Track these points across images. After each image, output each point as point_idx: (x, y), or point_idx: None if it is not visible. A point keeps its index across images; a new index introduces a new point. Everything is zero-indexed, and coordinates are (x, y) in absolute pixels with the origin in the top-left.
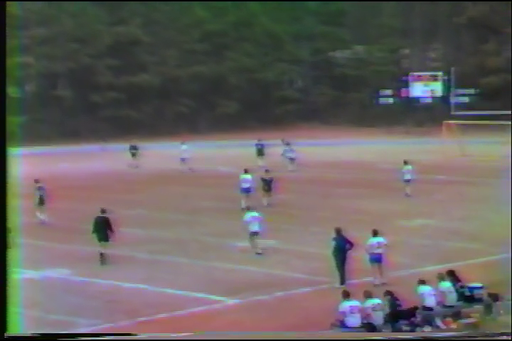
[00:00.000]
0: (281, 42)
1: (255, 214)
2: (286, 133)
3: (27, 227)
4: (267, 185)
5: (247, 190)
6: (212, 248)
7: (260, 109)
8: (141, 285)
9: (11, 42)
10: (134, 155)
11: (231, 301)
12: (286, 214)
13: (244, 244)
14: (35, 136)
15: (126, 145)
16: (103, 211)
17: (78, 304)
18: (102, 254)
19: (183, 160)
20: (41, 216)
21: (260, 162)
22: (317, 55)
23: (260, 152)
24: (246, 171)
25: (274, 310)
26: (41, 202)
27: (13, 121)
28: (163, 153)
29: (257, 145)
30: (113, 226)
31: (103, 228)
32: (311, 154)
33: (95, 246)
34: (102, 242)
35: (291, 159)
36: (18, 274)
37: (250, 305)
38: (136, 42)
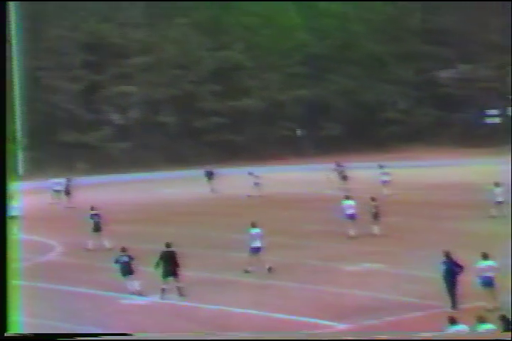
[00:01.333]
0: (384, 64)
1: (257, 230)
2: (390, 154)
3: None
4: (375, 212)
5: (351, 217)
6: (320, 271)
7: (363, 131)
8: (250, 310)
9: (113, 71)
10: (209, 179)
11: (341, 326)
12: (393, 238)
13: (353, 267)
14: (139, 161)
15: (231, 170)
16: (168, 245)
17: (188, 329)
18: (163, 289)
19: (256, 185)
20: (103, 242)
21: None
22: (420, 75)
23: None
24: (348, 197)
25: (384, 335)
26: (97, 228)
27: (117, 146)
28: (267, 177)
29: (336, 169)
30: (178, 260)
31: (169, 263)
32: (415, 176)
33: (205, 272)
34: (168, 278)
35: (385, 182)
36: (128, 300)
37: (360, 329)
38: (238, 67)
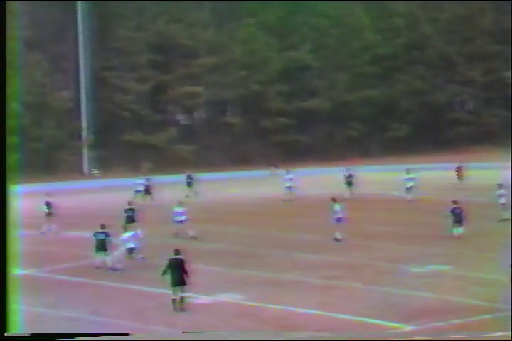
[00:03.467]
0: (453, 64)
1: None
2: (458, 156)
3: (202, 253)
4: (458, 216)
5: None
6: (386, 273)
7: (431, 131)
8: (315, 311)
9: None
10: (189, 184)
11: (408, 327)
12: (461, 239)
13: (420, 269)
14: (205, 162)
15: (298, 171)
16: (177, 252)
17: (252, 329)
18: (174, 300)
19: (288, 188)
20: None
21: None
22: (490, 76)
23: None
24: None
25: (452, 336)
26: (130, 221)
27: (183, 147)
28: (333, 178)
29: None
30: (187, 268)
31: (177, 271)
32: (484, 177)
33: (270, 272)
34: (176, 287)
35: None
36: (192, 299)
37: (427, 331)
38: (306, 68)
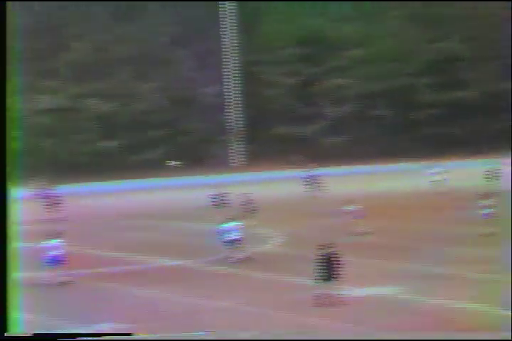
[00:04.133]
0: None
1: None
2: None
3: (355, 246)
4: None
5: None
6: None
7: None
8: (472, 305)
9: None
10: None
11: None
12: None
13: None
14: (353, 155)
15: (449, 164)
16: (327, 246)
17: (408, 322)
18: (320, 295)
19: (435, 182)
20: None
21: None
22: None
23: None
24: None
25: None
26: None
27: (332, 140)
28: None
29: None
30: (339, 263)
31: (327, 265)
32: None
33: (422, 265)
34: (325, 281)
35: None
36: (347, 291)
37: None
38: (455, 59)
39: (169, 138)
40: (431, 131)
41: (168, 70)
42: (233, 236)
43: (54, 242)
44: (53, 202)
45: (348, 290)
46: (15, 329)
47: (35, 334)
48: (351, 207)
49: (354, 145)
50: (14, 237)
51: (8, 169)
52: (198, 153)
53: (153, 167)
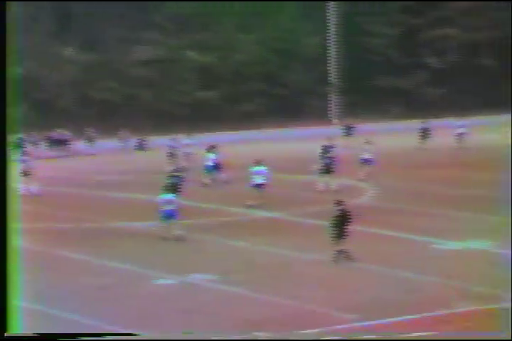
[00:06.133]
0: None
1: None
2: None
3: (449, 198)
4: None
5: None
6: None
7: None
8: None
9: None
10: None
11: None
12: None
13: None
14: (455, 106)
15: None
16: (339, 203)
17: (502, 277)
18: (338, 252)
19: (459, 135)
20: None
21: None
22: None
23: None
24: None
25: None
26: (328, 170)
27: (433, 91)
28: None
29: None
30: (351, 221)
31: (340, 223)
32: None
33: None
34: (340, 240)
35: None
36: (441, 245)
37: None
38: None
39: (269, 90)
40: None
41: (268, 22)
42: (257, 181)
43: (169, 197)
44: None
45: (444, 244)
46: (15, 329)
47: (35, 334)
48: None
49: (457, 96)
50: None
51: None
52: (297, 105)
53: (252, 119)
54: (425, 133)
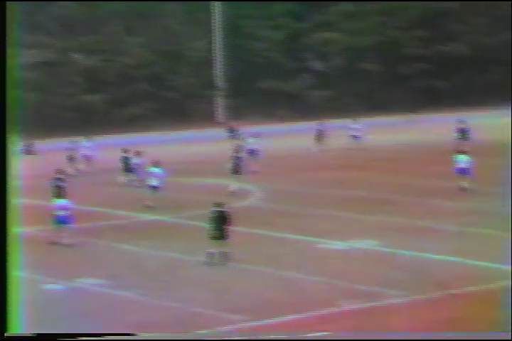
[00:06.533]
0: None
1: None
2: None
3: (337, 199)
4: None
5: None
6: None
7: None
8: (451, 258)
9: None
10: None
11: None
12: None
13: None
14: (340, 109)
15: (435, 117)
16: (218, 204)
17: (386, 275)
18: (210, 254)
19: (353, 137)
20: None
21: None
22: None
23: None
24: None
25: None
26: (236, 171)
27: (318, 94)
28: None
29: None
30: (230, 221)
31: (218, 224)
32: None
33: (403, 218)
34: (215, 241)
35: None
36: (326, 245)
37: None
38: (445, 12)
39: (156, 93)
40: (419, 84)
41: (155, 25)
42: (153, 182)
43: (62, 202)
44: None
45: (329, 243)
46: (15, 329)
47: (35, 334)
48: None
49: (341, 99)
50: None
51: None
52: (184, 108)
53: (138, 122)
54: (320, 134)
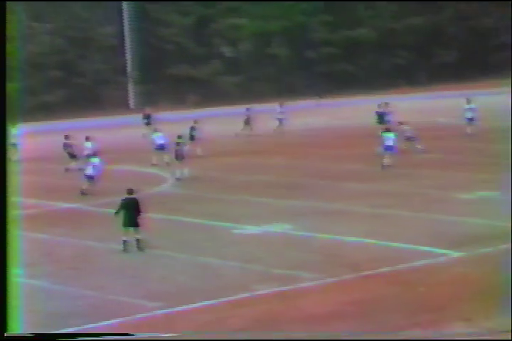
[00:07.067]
0: None
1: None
2: (506, 81)
3: (249, 184)
4: None
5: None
6: (435, 200)
7: (479, 57)
8: (364, 239)
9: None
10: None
11: (456, 254)
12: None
13: (468, 195)
14: (250, 94)
15: (343, 101)
16: (130, 191)
17: (300, 258)
18: (125, 242)
19: (279, 120)
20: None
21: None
22: None
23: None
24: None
25: (499, 263)
26: (178, 157)
27: (228, 79)
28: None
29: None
30: (142, 209)
31: (130, 211)
32: None
33: (315, 201)
34: (127, 228)
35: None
36: (241, 230)
37: (475, 258)
38: None
39: (67, 80)
40: (327, 68)
41: (63, 10)
42: (90, 172)
43: None
44: None
45: (243, 228)
46: (15, 329)
47: (35, 334)
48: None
49: (251, 84)
50: None
51: None
52: (96, 94)
53: (51, 109)
54: (248, 119)
